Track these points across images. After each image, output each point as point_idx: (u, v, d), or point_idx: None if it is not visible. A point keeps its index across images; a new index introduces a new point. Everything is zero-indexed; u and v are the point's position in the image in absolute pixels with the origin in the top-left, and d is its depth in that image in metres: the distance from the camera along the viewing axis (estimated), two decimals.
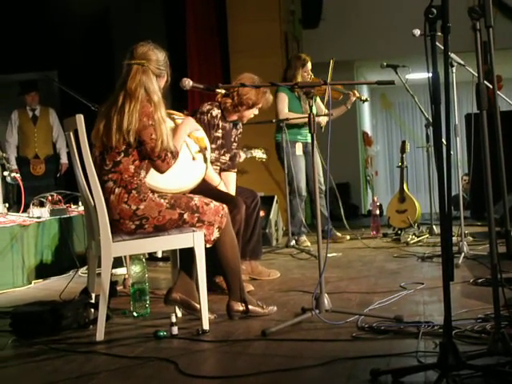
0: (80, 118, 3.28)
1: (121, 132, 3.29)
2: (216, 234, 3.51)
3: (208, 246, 3.48)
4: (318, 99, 6.91)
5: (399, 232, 7.09)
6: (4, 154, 5.98)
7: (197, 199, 3.50)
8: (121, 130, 3.29)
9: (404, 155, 7.46)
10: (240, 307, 3.61)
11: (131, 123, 3.28)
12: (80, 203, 5.96)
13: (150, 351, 3.09)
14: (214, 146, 4.53)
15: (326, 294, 3.44)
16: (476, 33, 2.57)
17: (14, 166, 7.74)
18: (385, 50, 10.45)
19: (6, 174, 5.83)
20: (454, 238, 5.42)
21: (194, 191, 3.72)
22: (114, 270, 4.96)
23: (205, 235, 3.45)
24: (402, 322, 3.23)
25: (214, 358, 3.07)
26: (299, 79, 6.46)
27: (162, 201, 3.41)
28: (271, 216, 7.04)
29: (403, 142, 7.56)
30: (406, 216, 7.19)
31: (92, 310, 3.61)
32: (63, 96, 7.85)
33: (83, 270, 5.24)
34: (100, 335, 3.31)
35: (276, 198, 7.38)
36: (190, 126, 3.74)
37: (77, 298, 3.86)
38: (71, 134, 3.45)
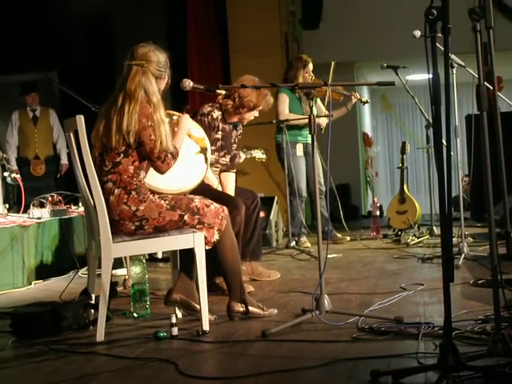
0: (80, 119, 3.29)
1: (120, 133, 3.29)
2: (216, 237, 3.51)
3: (208, 247, 3.48)
4: (319, 100, 6.92)
5: (399, 233, 7.09)
6: (4, 155, 5.99)
7: (197, 201, 3.49)
8: (120, 130, 3.29)
9: (404, 156, 7.46)
10: (240, 308, 3.61)
11: (130, 124, 3.28)
12: (80, 204, 5.96)
13: (150, 352, 3.09)
14: (213, 147, 4.53)
15: (326, 295, 3.44)
16: (476, 34, 2.57)
17: (15, 167, 7.74)
18: (385, 51, 10.45)
19: (6, 174, 5.84)
20: (454, 239, 5.42)
21: (194, 192, 3.72)
22: (114, 271, 4.96)
23: (205, 237, 3.45)
24: (402, 323, 3.23)
25: (214, 358, 3.07)
26: (300, 80, 6.47)
27: (162, 202, 3.41)
28: (271, 217, 7.04)
29: (403, 143, 7.56)
30: (406, 217, 7.19)
31: (92, 310, 3.61)
32: (63, 97, 7.84)
33: (83, 270, 5.24)
34: (100, 336, 3.31)
35: (276, 198, 7.38)
36: (189, 123, 3.73)
37: (77, 298, 3.86)
38: (71, 134, 3.45)
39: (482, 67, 2.61)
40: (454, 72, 5.15)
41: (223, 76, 8.78)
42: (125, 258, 4.87)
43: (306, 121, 3.53)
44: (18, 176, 6.06)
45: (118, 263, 5.12)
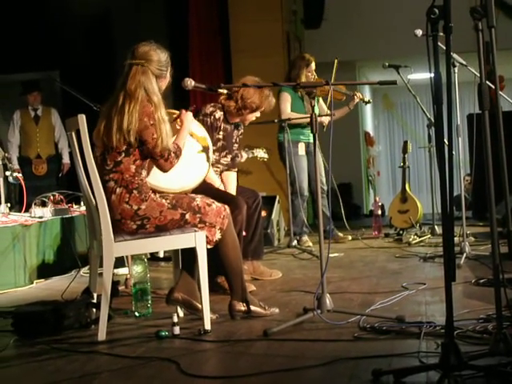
0: (82, 118, 3.29)
1: (121, 132, 3.29)
2: (218, 236, 3.51)
3: (209, 246, 3.49)
4: (321, 100, 6.92)
5: (401, 232, 7.09)
6: (6, 154, 5.98)
7: (199, 200, 3.49)
8: (121, 130, 3.29)
9: (406, 155, 7.46)
10: (242, 307, 3.61)
11: (131, 123, 3.29)
12: (82, 203, 5.97)
13: (152, 351, 3.09)
14: (214, 147, 4.53)
15: (328, 294, 3.44)
16: (478, 33, 2.57)
17: (16, 166, 7.74)
18: (387, 50, 10.45)
19: (8, 173, 5.83)
20: (455, 239, 5.42)
21: (196, 191, 3.72)
22: (115, 270, 4.95)
23: (206, 236, 3.45)
24: (404, 322, 3.23)
25: (216, 358, 3.07)
26: (303, 79, 6.47)
27: (164, 201, 3.41)
28: (273, 216, 7.04)
29: (405, 143, 7.56)
30: (407, 216, 7.19)
31: (94, 309, 3.61)
32: (65, 96, 7.83)
33: (85, 269, 5.24)
34: (102, 335, 3.31)
35: (278, 197, 7.38)
36: (192, 121, 3.72)
37: (79, 297, 3.86)
38: (73, 133, 3.45)
39: (483, 66, 2.61)
40: (456, 71, 5.15)
41: (225, 76, 8.78)
42: (126, 257, 4.87)
43: (308, 120, 3.52)
44: (20, 175, 6.06)
45: (120, 262, 5.12)
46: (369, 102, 7.14)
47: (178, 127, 3.65)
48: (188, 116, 3.70)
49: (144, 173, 3.43)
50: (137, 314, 3.85)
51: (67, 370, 2.88)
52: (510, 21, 10.00)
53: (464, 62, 5.10)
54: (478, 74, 2.65)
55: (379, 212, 7.44)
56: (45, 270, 5.46)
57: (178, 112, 3.76)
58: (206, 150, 3.84)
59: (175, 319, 3.31)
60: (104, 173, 3.36)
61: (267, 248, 6.20)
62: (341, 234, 6.95)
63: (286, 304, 3.94)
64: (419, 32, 4.94)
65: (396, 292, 4.05)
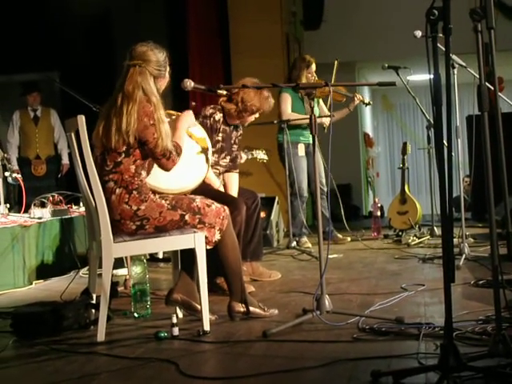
0: (81, 119, 3.29)
1: (120, 133, 3.30)
2: (217, 236, 3.51)
3: (209, 247, 3.49)
4: (321, 101, 6.93)
5: (400, 233, 7.09)
6: (5, 155, 5.97)
7: (198, 200, 3.50)
8: (120, 131, 3.29)
9: (405, 157, 7.46)
10: (241, 308, 3.61)
11: (130, 124, 3.29)
12: (81, 204, 5.96)
13: (151, 352, 3.09)
14: (213, 149, 4.53)
15: (327, 295, 3.44)
16: (477, 34, 2.57)
17: (16, 167, 7.73)
18: (386, 52, 10.45)
19: (7, 174, 5.83)
20: (455, 240, 5.42)
21: (195, 192, 3.72)
22: (114, 271, 4.96)
23: (206, 237, 3.45)
24: (403, 323, 3.23)
25: (215, 358, 3.07)
26: (304, 80, 6.48)
27: (163, 202, 3.41)
28: (272, 217, 7.04)
29: (404, 144, 7.56)
30: (407, 217, 7.19)
31: (93, 310, 3.61)
32: (64, 97, 7.83)
33: (84, 270, 5.24)
34: (101, 336, 3.31)
35: (277, 199, 7.38)
36: (189, 119, 3.70)
37: (78, 298, 3.86)
38: (72, 134, 3.45)
39: (483, 68, 2.61)
40: (455, 72, 5.15)
41: (224, 77, 8.78)
42: (126, 257, 4.87)
43: (308, 121, 3.52)
44: (19, 176, 6.05)
45: (119, 263, 5.12)
46: (369, 103, 7.15)
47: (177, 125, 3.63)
48: (183, 114, 3.67)
49: (144, 173, 3.43)
50: (136, 314, 3.85)
51: (66, 371, 2.88)
52: (510, 22, 10.01)
53: (463, 64, 5.10)
54: (478, 76, 2.65)
55: (378, 213, 7.44)
56: (44, 271, 5.45)
57: (176, 113, 3.76)
58: (205, 151, 3.84)
59: (174, 320, 3.31)
60: (104, 173, 3.37)
61: (266, 249, 6.20)
62: (340, 236, 6.94)
63: (285, 305, 3.94)
64: (418, 33, 4.94)
65: (395, 293, 4.05)
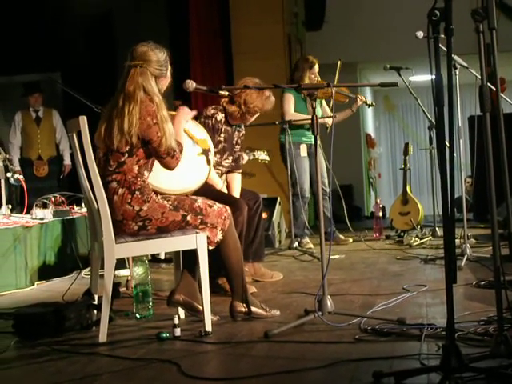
0: (83, 120, 3.29)
1: (122, 134, 3.30)
2: (219, 236, 3.51)
3: (211, 247, 3.48)
4: (324, 102, 6.93)
5: (402, 234, 7.09)
6: (7, 156, 5.98)
7: (200, 201, 3.50)
8: (122, 131, 3.30)
9: (407, 157, 7.46)
10: (242, 308, 3.61)
11: (132, 125, 3.29)
12: (83, 205, 5.97)
13: (153, 353, 3.09)
14: (216, 149, 4.53)
15: (329, 296, 3.44)
16: (479, 35, 2.57)
17: (18, 168, 7.74)
18: (388, 52, 10.45)
19: (9, 175, 5.84)
20: (456, 241, 5.42)
21: (197, 193, 3.72)
22: (116, 272, 4.95)
23: (208, 237, 3.45)
24: (405, 324, 3.23)
25: (217, 359, 3.07)
26: (306, 81, 6.49)
27: (166, 202, 3.41)
28: (274, 218, 7.05)
29: (406, 144, 7.56)
30: (408, 218, 7.19)
31: (95, 311, 3.61)
32: (66, 97, 7.84)
33: (86, 271, 5.24)
34: (103, 337, 3.31)
35: (279, 199, 7.38)
36: (185, 115, 3.66)
37: (80, 299, 3.85)
38: (74, 135, 3.45)
39: (484, 68, 2.61)
40: (457, 73, 5.15)
41: (226, 78, 8.78)
42: (127, 258, 4.87)
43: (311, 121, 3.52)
44: (21, 177, 6.06)
45: (121, 264, 5.12)
46: (372, 105, 7.14)
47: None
48: (179, 111, 3.65)
49: (146, 174, 3.43)
50: (138, 315, 3.85)
51: (68, 372, 2.88)
52: (511, 22, 10.00)
53: (465, 64, 5.10)
54: (479, 76, 2.65)
55: (380, 214, 7.43)
56: (46, 272, 5.45)
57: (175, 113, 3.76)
58: (205, 152, 3.84)
59: (176, 321, 3.31)
60: (107, 173, 3.37)
61: (268, 250, 6.20)
62: (342, 237, 6.94)
63: (287, 306, 3.94)
64: (420, 34, 4.94)
65: (397, 294, 4.05)
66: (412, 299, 3.95)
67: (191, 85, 3.86)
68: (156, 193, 3.46)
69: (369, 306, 3.77)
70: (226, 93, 4.38)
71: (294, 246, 6.40)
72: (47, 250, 5.53)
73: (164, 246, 3.56)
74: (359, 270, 5.23)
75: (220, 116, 4.63)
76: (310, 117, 3.53)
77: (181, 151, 3.43)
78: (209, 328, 3.34)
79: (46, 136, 8.23)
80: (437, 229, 6.90)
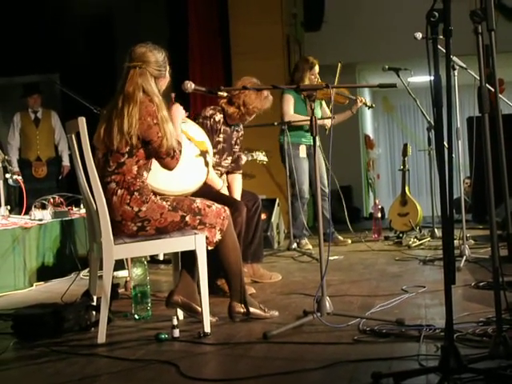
0: (82, 121, 3.29)
1: (122, 134, 3.30)
2: (218, 237, 3.51)
3: (210, 248, 3.48)
4: (324, 103, 6.93)
5: (401, 235, 7.09)
6: (6, 157, 5.98)
7: (199, 201, 3.50)
8: (122, 132, 3.30)
9: (406, 158, 7.46)
10: (241, 309, 3.61)
11: (131, 125, 3.29)
12: (82, 206, 5.97)
13: (152, 354, 3.09)
14: (215, 150, 4.53)
15: (328, 297, 3.44)
16: (478, 36, 2.57)
17: (16, 169, 7.73)
18: (387, 53, 10.45)
19: (8, 176, 5.84)
20: (455, 242, 5.42)
21: (196, 194, 3.72)
22: (115, 273, 4.95)
23: (207, 237, 3.45)
24: (404, 325, 3.23)
25: (216, 360, 3.07)
26: (306, 82, 6.48)
27: (164, 203, 3.42)
28: (273, 219, 7.05)
29: (405, 145, 7.57)
30: (407, 219, 7.20)
31: (93, 312, 3.60)
32: (65, 98, 7.84)
33: (85, 272, 5.23)
34: (101, 338, 3.31)
35: (278, 200, 7.38)
36: (178, 113, 3.64)
37: (78, 300, 3.85)
38: (73, 136, 3.45)
39: (483, 69, 2.61)
40: (456, 74, 5.15)
41: (225, 78, 8.79)
42: (126, 259, 4.87)
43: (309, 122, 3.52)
44: (20, 178, 6.06)
45: (120, 265, 5.12)
46: (372, 106, 7.14)
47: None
48: (172, 109, 3.62)
49: (145, 174, 3.43)
50: (136, 316, 3.85)
51: (67, 373, 2.88)
52: (510, 24, 10.01)
53: (464, 65, 5.10)
54: (478, 77, 2.65)
55: (379, 215, 7.43)
56: (44, 273, 5.45)
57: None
58: (204, 154, 3.84)
59: (175, 322, 3.31)
60: (106, 174, 3.37)
61: (267, 251, 6.20)
62: (341, 238, 6.94)
63: (286, 307, 3.94)
64: (419, 35, 4.94)
65: (396, 295, 4.05)
66: (411, 300, 3.95)
67: (190, 86, 3.87)
68: (155, 194, 3.46)
69: (368, 306, 3.77)
70: (225, 94, 4.39)
71: (293, 246, 6.40)
72: (46, 250, 5.53)
73: (163, 246, 3.56)
74: (358, 271, 5.23)
75: (218, 116, 4.63)
76: (309, 118, 3.52)
77: (180, 151, 3.43)
78: (207, 329, 3.34)
79: (45, 137, 8.23)
80: (436, 230, 6.90)
